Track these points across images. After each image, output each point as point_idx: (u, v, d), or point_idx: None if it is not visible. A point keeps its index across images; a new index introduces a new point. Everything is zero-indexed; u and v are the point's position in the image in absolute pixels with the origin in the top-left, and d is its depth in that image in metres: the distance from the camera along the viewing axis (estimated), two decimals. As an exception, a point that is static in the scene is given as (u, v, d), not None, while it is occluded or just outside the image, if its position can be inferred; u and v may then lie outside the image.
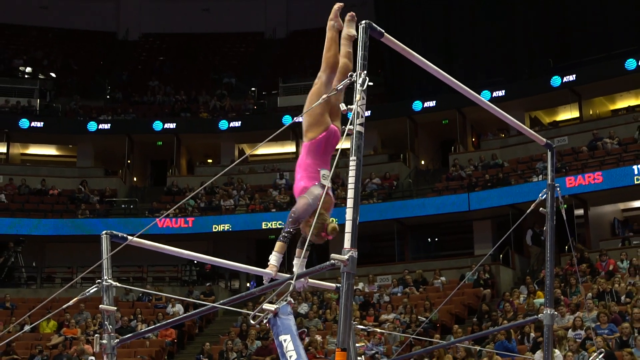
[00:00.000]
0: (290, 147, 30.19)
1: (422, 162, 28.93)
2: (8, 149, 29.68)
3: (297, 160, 5.41)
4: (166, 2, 36.07)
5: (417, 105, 27.33)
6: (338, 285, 4.98)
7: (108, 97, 32.47)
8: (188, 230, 24.74)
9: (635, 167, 21.39)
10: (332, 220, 5.22)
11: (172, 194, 27.35)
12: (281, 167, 28.43)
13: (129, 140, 29.56)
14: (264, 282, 4.96)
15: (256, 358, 17.89)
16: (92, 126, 28.92)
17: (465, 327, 18.64)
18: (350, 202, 3.66)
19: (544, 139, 6.09)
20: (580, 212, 22.85)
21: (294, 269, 5.16)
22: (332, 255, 3.55)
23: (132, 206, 27.48)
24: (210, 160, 31.32)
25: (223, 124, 29.17)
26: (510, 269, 22.50)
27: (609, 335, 14.95)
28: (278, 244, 5.13)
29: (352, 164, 3.70)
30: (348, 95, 3.88)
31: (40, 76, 33.07)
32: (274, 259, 5.06)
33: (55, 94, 31.82)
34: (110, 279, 4.97)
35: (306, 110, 5.10)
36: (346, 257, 3.51)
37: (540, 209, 5.97)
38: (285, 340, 3.42)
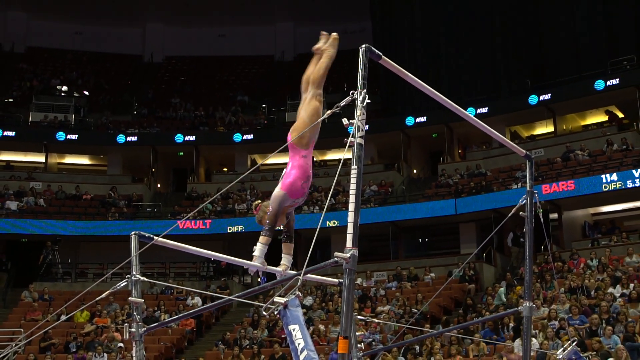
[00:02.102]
0: (296, 158, 30.18)
1: (414, 171, 28.91)
2: (46, 159, 29.73)
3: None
4: (187, 29, 36.11)
5: (410, 121, 27.35)
6: (340, 280, 4.98)
7: (135, 112, 32.50)
8: (206, 231, 24.74)
9: (603, 176, 21.37)
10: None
11: (192, 198, 27.34)
12: (288, 175, 28.43)
13: (154, 151, 29.59)
14: (277, 277, 4.98)
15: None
16: (120, 138, 28.95)
17: (452, 318, 18.62)
18: (352, 207, 3.65)
19: (524, 151, 6.08)
20: (554, 215, 22.81)
21: (283, 262, 5.29)
22: (336, 253, 3.55)
23: (156, 210, 27.48)
24: (225, 169, 31.31)
25: (237, 137, 29.19)
26: (492, 266, 22.45)
27: (580, 326, 14.95)
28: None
29: (354, 172, 3.71)
30: (349, 110, 3.88)
31: (75, 94, 33.12)
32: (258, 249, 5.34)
33: (88, 110, 31.86)
34: (138, 274, 4.97)
35: (312, 124, 5.13)
36: (348, 255, 3.51)
37: (520, 212, 5.95)
38: (294, 330, 3.41)
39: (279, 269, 5.15)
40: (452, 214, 23.41)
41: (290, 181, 5.12)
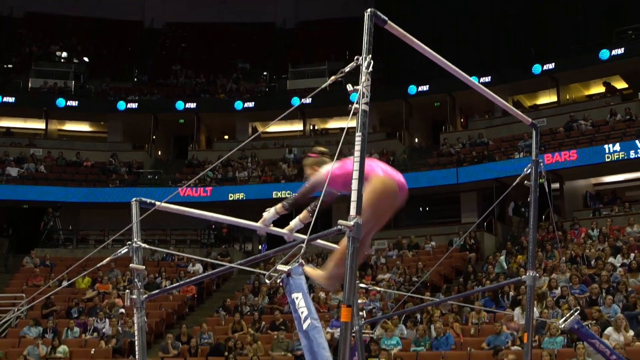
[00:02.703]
0: (298, 126, 30.11)
1: (416, 140, 28.85)
2: (47, 126, 29.69)
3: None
4: (188, -5, 35.83)
5: (412, 89, 27.23)
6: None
7: (135, 79, 32.38)
8: (207, 199, 24.74)
9: (606, 146, 21.31)
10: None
11: (193, 166, 27.33)
12: (290, 143, 28.42)
13: (154, 118, 29.53)
14: (285, 240, 4.85)
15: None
16: (121, 105, 28.86)
17: (453, 287, 18.69)
18: (355, 174, 3.60)
19: (530, 119, 6.01)
20: (556, 185, 22.78)
21: (291, 224, 5.04)
22: (339, 221, 3.50)
23: (157, 177, 27.49)
24: (226, 137, 31.28)
25: (238, 104, 29.09)
26: (493, 235, 22.51)
27: (580, 295, 14.99)
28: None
29: (358, 139, 3.65)
30: (354, 77, 3.81)
31: (75, 60, 32.99)
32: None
33: (88, 77, 31.74)
34: (139, 241, 4.94)
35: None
36: (352, 223, 3.46)
37: (525, 182, 5.90)
38: (297, 298, 3.38)
39: (284, 230, 5.04)
40: (453, 183, 23.40)
41: (337, 173, 4.48)
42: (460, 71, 4.82)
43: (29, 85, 30.19)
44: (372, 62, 3.69)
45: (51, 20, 35.16)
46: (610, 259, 16.91)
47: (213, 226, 25.11)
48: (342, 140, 4.32)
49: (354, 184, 3.57)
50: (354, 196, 3.57)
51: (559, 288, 15.36)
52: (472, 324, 15.40)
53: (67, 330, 17.80)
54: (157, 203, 5.06)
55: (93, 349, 16.61)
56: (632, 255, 16.72)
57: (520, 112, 6.09)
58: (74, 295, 20.01)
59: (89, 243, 25.33)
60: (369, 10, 3.78)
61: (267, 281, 3.56)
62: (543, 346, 13.26)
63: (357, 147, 3.63)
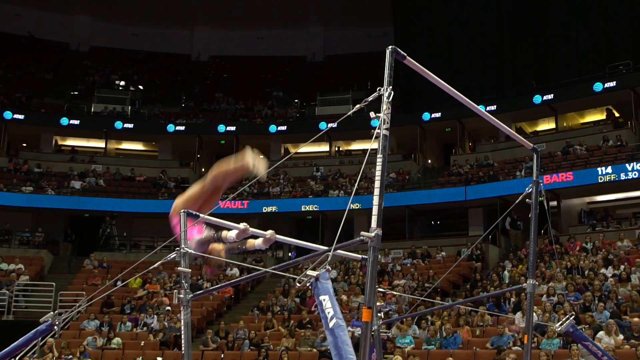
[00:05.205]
0: (325, 147, 30.17)
1: (429, 161, 28.74)
2: (106, 145, 30.04)
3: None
4: (230, 31, 36.15)
5: (426, 116, 27.17)
6: (364, 256, 4.94)
7: (183, 105, 32.67)
8: (243, 211, 24.85)
9: (599, 169, 21.09)
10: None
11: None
12: (317, 163, 28.46)
13: (199, 139, 29.74)
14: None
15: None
16: (170, 128, 29.13)
17: (460, 292, 18.53)
18: (376, 191, 3.62)
19: (531, 144, 5.97)
20: (554, 203, 22.55)
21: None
22: (362, 233, 3.51)
23: (200, 191, 27.58)
24: (262, 156, 31.32)
25: (272, 128, 29.22)
26: (497, 247, 22.29)
27: (575, 302, 14.80)
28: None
29: (379, 160, 3.68)
30: (372, 106, 3.82)
31: (131, 88, 33.39)
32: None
33: (142, 102, 32.10)
34: (186, 247, 4.97)
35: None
36: (373, 234, 3.47)
37: (527, 200, 5.85)
38: (324, 300, 3.38)
39: (267, 233, 5.17)
40: (462, 199, 23.25)
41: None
42: (469, 100, 4.83)
43: (92, 109, 30.60)
44: (392, 93, 3.71)
45: (112, 54, 35.77)
46: (602, 270, 16.67)
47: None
48: (365, 160, 4.34)
49: (375, 199, 3.58)
50: (375, 210, 3.58)
51: (556, 295, 15.17)
52: (478, 326, 15.24)
53: (121, 324, 17.92)
54: (201, 215, 5.10)
55: (143, 342, 16.69)
56: (622, 267, 16.47)
57: (522, 138, 6.06)
58: (127, 293, 20.13)
59: (141, 248, 25.48)
60: (390, 47, 3.79)
61: (298, 284, 3.57)
62: (541, 347, 13.07)
63: (379, 167, 3.65)
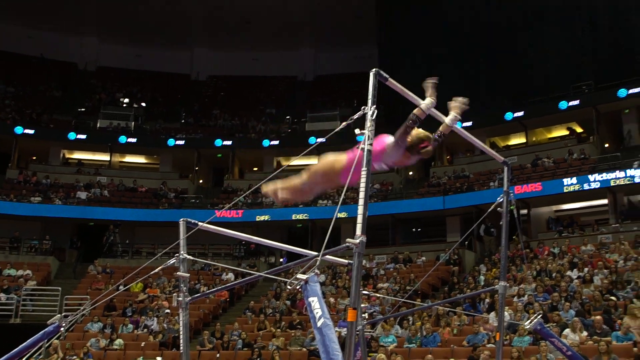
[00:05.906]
0: (314, 160, 30.11)
1: (410, 173, 28.81)
2: (110, 158, 29.91)
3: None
4: (227, 53, 36.17)
5: (407, 132, 27.21)
6: (349, 261, 4.96)
7: (183, 121, 32.61)
8: (238, 220, 24.78)
9: (565, 180, 21.27)
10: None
11: (228, 192, 27.40)
12: (307, 175, 28.39)
13: (197, 153, 29.68)
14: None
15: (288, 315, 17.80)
16: (171, 142, 29.05)
17: (439, 294, 18.54)
18: (361, 201, 3.65)
19: (502, 157, 6.03)
20: (524, 211, 22.68)
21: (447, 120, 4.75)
22: (347, 240, 3.54)
23: (198, 201, 27.56)
24: (255, 169, 31.36)
25: (266, 142, 29.21)
26: (473, 252, 22.35)
27: (544, 302, 14.85)
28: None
29: (364, 173, 3.71)
30: (360, 121, 3.86)
31: (135, 105, 33.30)
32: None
33: (145, 119, 32.01)
34: (185, 254, 4.97)
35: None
36: (358, 241, 3.50)
37: (498, 208, 5.91)
38: (313, 301, 3.40)
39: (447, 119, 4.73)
40: (440, 208, 23.32)
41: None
42: (445, 118, 4.87)
43: (98, 125, 30.47)
44: (376, 111, 3.75)
45: (117, 73, 35.66)
46: (568, 272, 16.76)
47: (243, 242, 25.10)
48: (351, 172, 4.35)
49: (359, 209, 3.61)
50: (359, 219, 3.61)
51: (526, 296, 15.23)
52: (455, 325, 15.25)
53: (123, 326, 17.77)
54: (200, 223, 5.10)
55: (143, 343, 16.56)
56: (586, 269, 16.57)
57: (494, 152, 6.12)
58: (128, 297, 19.99)
59: (142, 255, 25.34)
60: (374, 70, 3.85)
61: (289, 287, 3.58)
62: (513, 344, 13.11)
63: (363, 180, 3.68)
